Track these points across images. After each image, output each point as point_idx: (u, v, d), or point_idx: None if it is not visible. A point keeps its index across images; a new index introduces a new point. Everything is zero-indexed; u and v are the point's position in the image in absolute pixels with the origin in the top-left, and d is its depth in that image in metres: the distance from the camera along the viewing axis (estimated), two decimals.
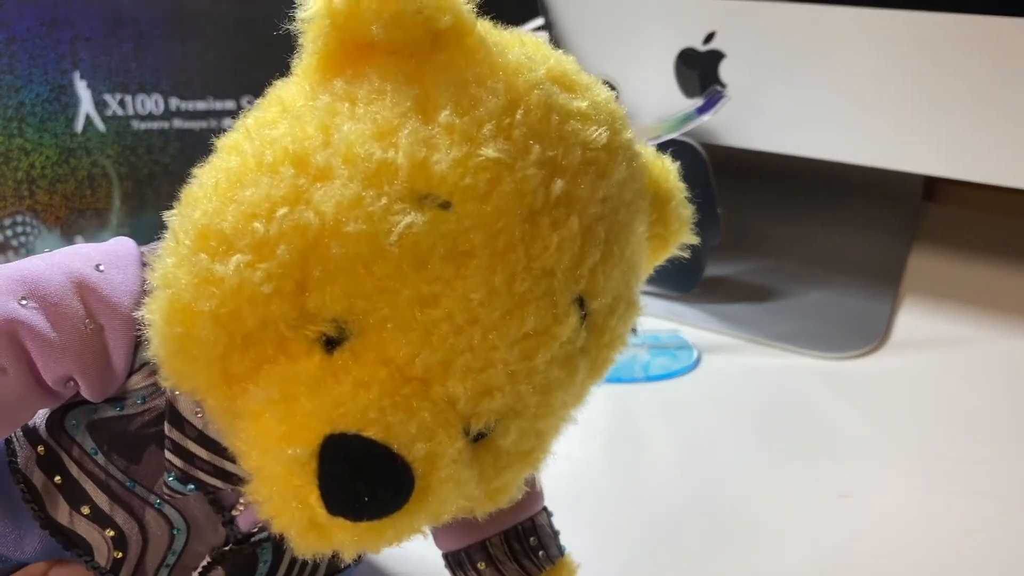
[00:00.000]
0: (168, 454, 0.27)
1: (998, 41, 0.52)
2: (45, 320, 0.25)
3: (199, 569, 0.29)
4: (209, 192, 0.23)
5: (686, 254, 0.31)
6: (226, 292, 0.22)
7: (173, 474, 0.27)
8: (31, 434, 0.29)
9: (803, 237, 0.67)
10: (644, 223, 0.27)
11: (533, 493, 0.32)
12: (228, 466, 0.27)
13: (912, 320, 0.58)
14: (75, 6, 0.53)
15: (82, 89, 0.53)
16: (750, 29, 0.58)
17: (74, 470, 0.28)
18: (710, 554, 0.40)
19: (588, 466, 0.45)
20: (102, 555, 0.29)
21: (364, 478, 0.22)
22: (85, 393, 0.27)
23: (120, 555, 0.29)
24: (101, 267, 0.26)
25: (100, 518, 0.28)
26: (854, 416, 0.49)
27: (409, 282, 0.22)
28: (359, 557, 0.35)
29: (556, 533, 0.33)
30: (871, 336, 0.56)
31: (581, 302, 0.24)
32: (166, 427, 0.27)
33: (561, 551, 0.33)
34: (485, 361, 0.23)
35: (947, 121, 0.55)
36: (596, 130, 0.24)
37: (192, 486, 0.27)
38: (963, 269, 0.64)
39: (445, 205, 0.22)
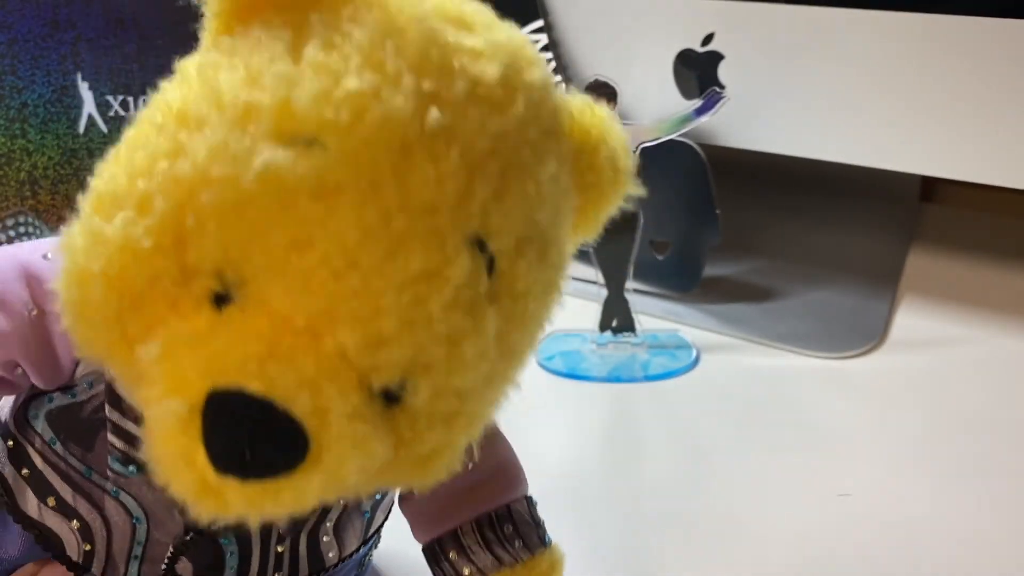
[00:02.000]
0: (110, 436, 0.27)
1: (997, 42, 0.52)
2: None
3: (165, 561, 0.29)
4: (110, 161, 0.23)
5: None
6: (112, 250, 0.22)
7: (115, 456, 0.27)
8: (2, 430, 0.29)
9: (801, 237, 0.68)
10: (558, 165, 0.25)
11: (509, 478, 0.31)
12: None
13: (910, 320, 0.58)
14: (77, 7, 0.53)
15: (84, 90, 0.53)
16: (749, 30, 0.58)
17: (38, 462, 0.29)
18: (709, 553, 0.40)
19: (587, 465, 0.45)
20: (73, 548, 0.29)
21: (246, 433, 0.20)
22: (34, 380, 0.27)
23: (89, 547, 0.29)
24: (49, 256, 0.27)
25: (65, 509, 0.29)
26: (853, 415, 0.49)
27: (279, 224, 0.21)
28: (363, 565, 0.35)
29: (538, 522, 0.31)
30: (869, 336, 0.56)
31: (482, 245, 0.22)
32: (106, 409, 0.27)
33: (544, 541, 0.31)
34: (373, 308, 0.21)
35: (945, 122, 0.55)
36: (488, 65, 0.23)
37: (133, 468, 0.27)
38: (961, 269, 0.64)
39: (311, 143, 0.21)
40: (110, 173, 0.23)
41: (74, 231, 0.23)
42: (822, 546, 0.40)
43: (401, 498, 0.32)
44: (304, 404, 0.21)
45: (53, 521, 0.29)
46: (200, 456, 0.21)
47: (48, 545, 0.29)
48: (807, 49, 0.57)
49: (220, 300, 0.22)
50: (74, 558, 0.29)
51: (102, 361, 0.23)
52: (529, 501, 0.32)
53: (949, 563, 0.39)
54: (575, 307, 0.59)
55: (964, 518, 0.42)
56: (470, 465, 0.29)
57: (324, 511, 0.30)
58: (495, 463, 0.31)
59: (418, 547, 0.32)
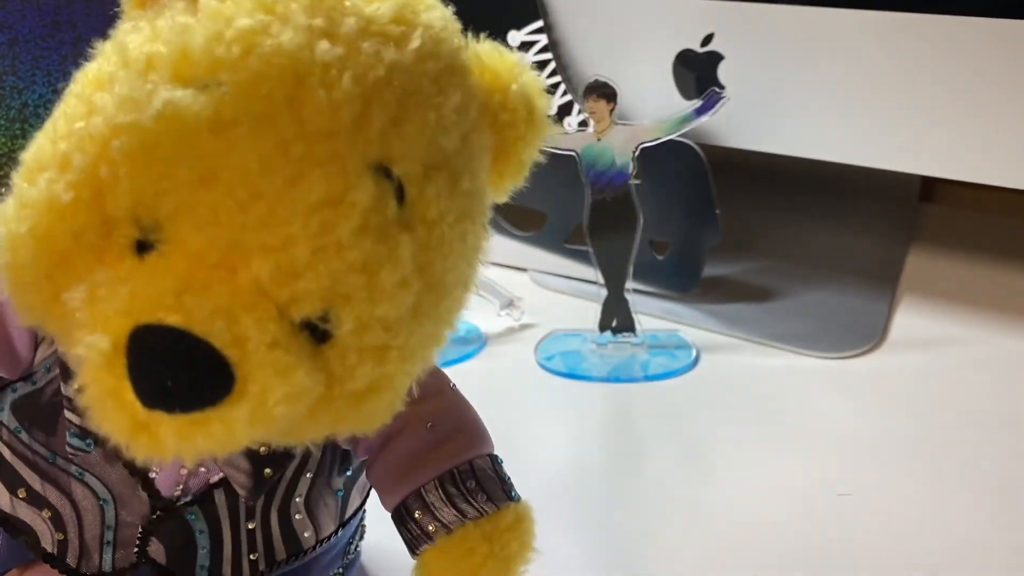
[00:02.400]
0: (66, 412, 0.28)
1: (997, 42, 0.52)
2: None
3: (136, 543, 0.29)
4: (39, 135, 0.24)
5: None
6: (38, 211, 0.23)
7: (73, 431, 0.28)
8: None
9: (801, 237, 0.68)
10: (464, 100, 0.25)
11: (471, 436, 0.31)
12: None
13: (910, 320, 0.58)
14: (77, 7, 0.53)
15: None
16: (749, 31, 0.58)
17: (7, 454, 0.29)
18: (709, 553, 0.40)
19: (587, 465, 0.46)
20: (47, 539, 0.29)
21: (168, 364, 0.21)
22: None
23: (62, 537, 0.29)
24: None
25: (35, 499, 0.29)
26: (852, 415, 0.49)
27: (183, 162, 0.22)
28: (347, 555, 0.35)
29: (503, 478, 0.31)
30: (869, 336, 0.56)
31: (387, 172, 0.23)
32: (61, 385, 0.28)
33: (510, 496, 0.31)
34: (283, 238, 0.22)
35: (945, 122, 0.55)
36: (381, 6, 0.24)
37: (90, 441, 0.28)
38: (960, 269, 0.64)
39: (208, 85, 0.22)
40: (36, 144, 0.24)
41: (7, 203, 0.24)
42: (822, 546, 0.40)
43: (368, 468, 0.31)
44: (222, 334, 0.21)
45: (25, 513, 0.29)
46: (128, 393, 0.21)
47: (22, 538, 0.29)
48: (807, 49, 0.57)
49: (142, 248, 0.22)
50: (49, 549, 0.29)
51: (40, 323, 0.24)
52: (494, 459, 0.31)
53: (949, 563, 0.39)
54: (575, 307, 0.59)
55: (964, 518, 0.42)
56: (429, 424, 0.30)
57: (291, 484, 0.30)
58: (455, 422, 0.31)
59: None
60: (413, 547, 0.30)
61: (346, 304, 0.23)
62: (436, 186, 0.24)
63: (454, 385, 0.32)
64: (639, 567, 0.39)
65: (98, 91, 0.23)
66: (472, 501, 0.30)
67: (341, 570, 0.34)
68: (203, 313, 0.21)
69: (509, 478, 0.31)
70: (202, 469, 0.29)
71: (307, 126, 0.22)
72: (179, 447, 0.22)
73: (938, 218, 0.70)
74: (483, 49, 0.27)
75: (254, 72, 0.22)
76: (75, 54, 0.53)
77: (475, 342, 0.56)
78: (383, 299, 0.23)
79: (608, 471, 0.45)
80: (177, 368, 0.21)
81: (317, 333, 0.23)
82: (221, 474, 0.29)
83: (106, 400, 0.21)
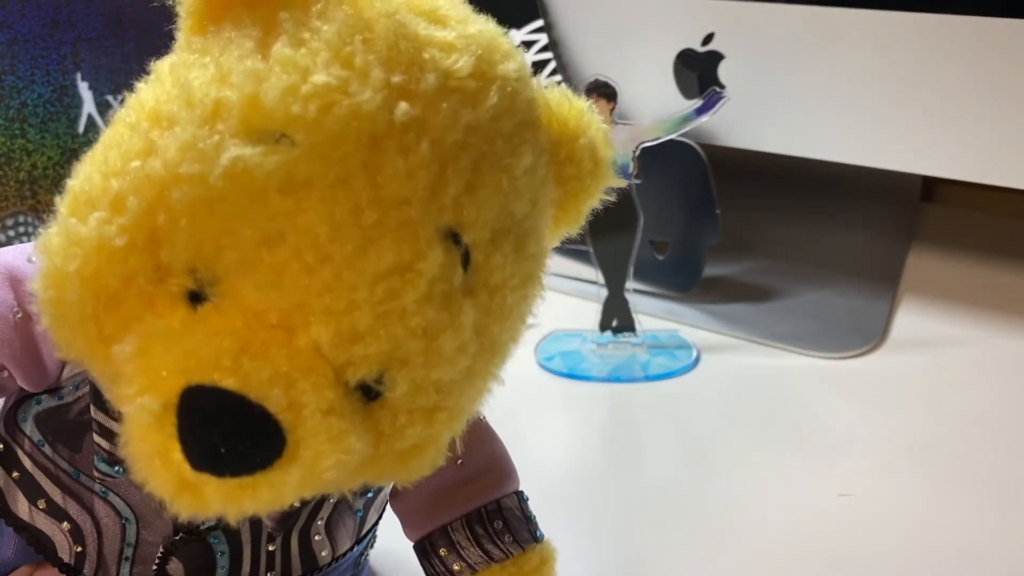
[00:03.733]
0: (95, 436, 0.27)
1: (997, 42, 0.52)
2: None
3: (156, 562, 0.29)
4: (86, 161, 0.23)
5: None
6: (88, 250, 0.22)
7: (101, 456, 0.28)
8: None
9: (802, 237, 0.68)
10: (535, 157, 0.25)
11: (499, 474, 0.31)
12: None
13: (910, 320, 0.58)
14: (77, 7, 0.53)
15: (84, 90, 0.53)
16: (749, 30, 0.58)
17: (28, 464, 0.29)
18: (709, 553, 0.40)
19: (587, 465, 0.45)
20: (64, 550, 0.29)
21: (220, 428, 0.21)
22: (20, 382, 0.27)
23: (80, 549, 0.29)
24: (33, 259, 0.27)
25: (55, 511, 0.29)
26: (853, 416, 0.49)
27: (249, 220, 0.21)
28: (359, 565, 0.35)
29: (529, 518, 0.31)
30: (870, 336, 0.56)
31: (456, 238, 0.22)
32: (91, 409, 0.27)
33: (535, 536, 0.31)
34: (347, 302, 0.21)
35: (945, 122, 0.55)
36: (460, 58, 0.23)
37: (119, 468, 0.27)
38: (961, 269, 0.64)
39: (280, 139, 0.21)
40: (85, 174, 0.23)
41: (51, 232, 0.23)
42: (822, 546, 0.40)
43: (392, 496, 0.32)
44: (278, 399, 0.21)
45: (44, 523, 0.29)
46: (176, 453, 0.21)
47: (40, 548, 0.29)
48: (807, 49, 0.57)
49: (195, 298, 0.22)
50: (66, 560, 0.29)
51: (81, 361, 0.23)
52: (520, 496, 0.31)
53: (949, 563, 0.39)
54: (575, 307, 0.59)
55: (964, 518, 0.42)
56: (459, 462, 0.30)
57: (315, 509, 0.30)
58: (485, 459, 0.31)
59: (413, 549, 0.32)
60: None
61: (403, 368, 0.22)
62: (503, 252, 0.24)
63: (484, 416, 0.31)
64: (639, 567, 0.39)
65: (156, 128, 0.22)
66: (499, 542, 0.30)
67: None
68: (261, 378, 0.21)
69: (534, 517, 0.31)
70: None
71: (381, 192, 0.21)
72: (225, 508, 0.21)
73: (939, 218, 0.70)
74: (553, 97, 0.27)
75: (329, 133, 0.21)
76: (74, 53, 0.53)
77: None
78: (440, 364, 0.23)
79: (608, 471, 0.45)
80: (231, 433, 0.21)
81: (370, 393, 0.22)
82: None
83: (153, 459, 0.21)
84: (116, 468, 0.28)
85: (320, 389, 0.21)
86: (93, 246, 0.22)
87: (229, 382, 0.21)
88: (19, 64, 0.52)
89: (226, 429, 0.21)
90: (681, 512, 0.42)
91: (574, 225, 0.28)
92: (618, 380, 0.53)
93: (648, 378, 0.53)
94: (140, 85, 0.24)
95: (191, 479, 0.21)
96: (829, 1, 0.55)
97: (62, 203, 0.23)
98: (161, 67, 0.24)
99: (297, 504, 0.29)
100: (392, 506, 0.32)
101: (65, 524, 0.29)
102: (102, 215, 0.22)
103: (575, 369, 0.53)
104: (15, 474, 0.29)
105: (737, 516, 0.42)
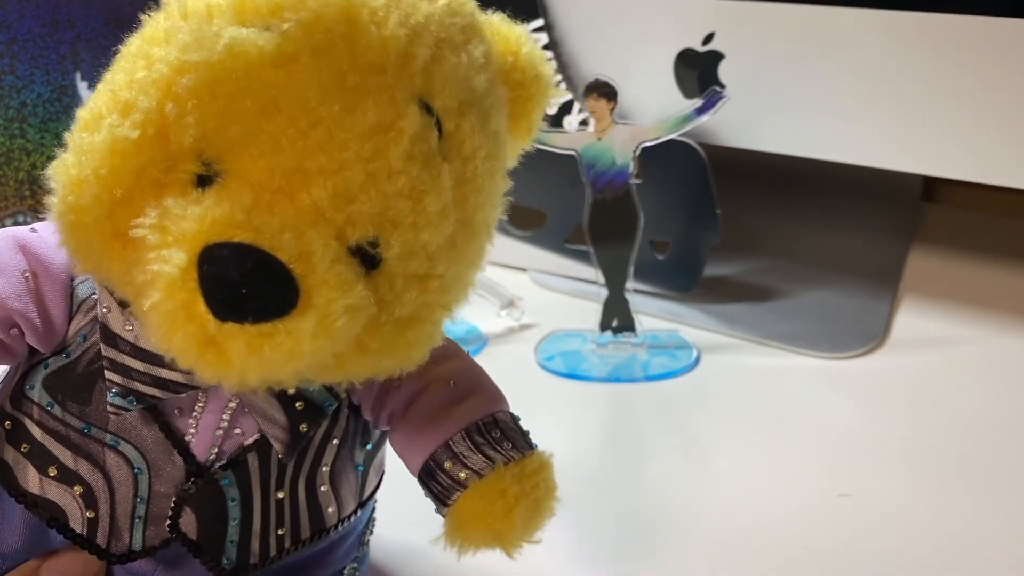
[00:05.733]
0: (107, 373, 0.28)
1: (998, 41, 0.52)
2: None
3: (169, 516, 0.30)
4: (93, 96, 0.26)
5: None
6: (102, 153, 0.24)
7: (114, 391, 0.28)
8: None
9: (802, 237, 0.68)
10: (485, 52, 0.28)
11: (490, 393, 0.32)
12: (163, 373, 0.28)
13: (911, 320, 0.58)
14: (76, 7, 0.53)
15: (83, 90, 0.53)
16: (750, 30, 0.58)
17: (37, 433, 0.29)
18: (709, 553, 0.40)
19: (587, 465, 0.45)
20: (76, 519, 0.30)
21: (241, 275, 0.22)
22: (29, 340, 0.29)
23: (92, 514, 0.29)
24: (35, 229, 0.29)
25: (66, 476, 0.29)
26: (853, 416, 0.49)
27: (247, 94, 0.24)
28: (361, 548, 0.35)
29: (524, 431, 0.32)
30: (870, 336, 0.56)
31: (428, 108, 0.26)
32: (102, 348, 0.28)
33: (531, 445, 0.32)
34: (339, 162, 0.24)
35: (946, 121, 0.55)
36: None
37: (132, 399, 0.28)
38: (962, 269, 0.64)
39: (269, 27, 0.24)
40: (93, 102, 0.26)
41: (63, 155, 0.25)
42: (822, 546, 0.40)
43: (392, 432, 0.32)
44: (290, 248, 0.23)
45: (55, 492, 0.29)
46: (199, 306, 0.23)
47: (51, 521, 0.30)
48: (807, 49, 0.57)
49: (203, 182, 0.24)
50: (78, 530, 0.30)
51: (97, 267, 0.25)
52: (512, 414, 0.32)
53: (949, 563, 0.39)
54: (575, 307, 0.59)
55: (964, 518, 0.42)
56: (451, 383, 0.31)
57: (319, 451, 0.31)
58: (474, 381, 0.32)
59: (415, 535, 0.32)
60: (444, 498, 0.31)
61: (394, 230, 0.25)
62: (470, 122, 0.27)
63: (467, 352, 0.33)
64: (639, 567, 0.39)
65: (156, 46, 0.25)
66: (499, 449, 0.31)
67: (356, 563, 0.35)
68: (271, 229, 0.23)
69: (527, 432, 0.32)
70: (237, 430, 0.30)
71: (360, 59, 0.24)
72: (247, 361, 0.23)
73: (939, 218, 0.70)
74: (493, 18, 0.30)
75: (313, 12, 0.24)
76: (74, 53, 0.53)
77: (475, 342, 0.56)
78: (426, 225, 0.25)
79: (608, 471, 0.45)
80: (250, 277, 0.23)
81: (367, 259, 0.25)
82: (255, 436, 0.30)
83: (177, 315, 0.23)
84: (130, 400, 0.29)
85: (326, 239, 0.24)
86: (106, 148, 0.24)
87: (244, 236, 0.23)
88: (18, 64, 0.52)
89: (245, 274, 0.23)
90: (681, 512, 0.42)
91: (527, 137, 0.32)
92: (618, 380, 0.53)
93: (648, 378, 0.53)
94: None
95: (214, 332, 0.23)
96: (829, 1, 0.55)
97: (72, 131, 0.25)
98: (151, 13, 0.27)
99: (304, 427, 0.30)
100: (393, 443, 0.32)
101: (76, 488, 0.29)
102: (112, 120, 0.24)
103: (575, 369, 0.53)
104: (24, 447, 0.30)
105: (737, 516, 0.42)
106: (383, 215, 0.25)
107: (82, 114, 0.26)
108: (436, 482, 0.31)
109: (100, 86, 0.26)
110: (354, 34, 0.24)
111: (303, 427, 0.30)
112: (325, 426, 0.31)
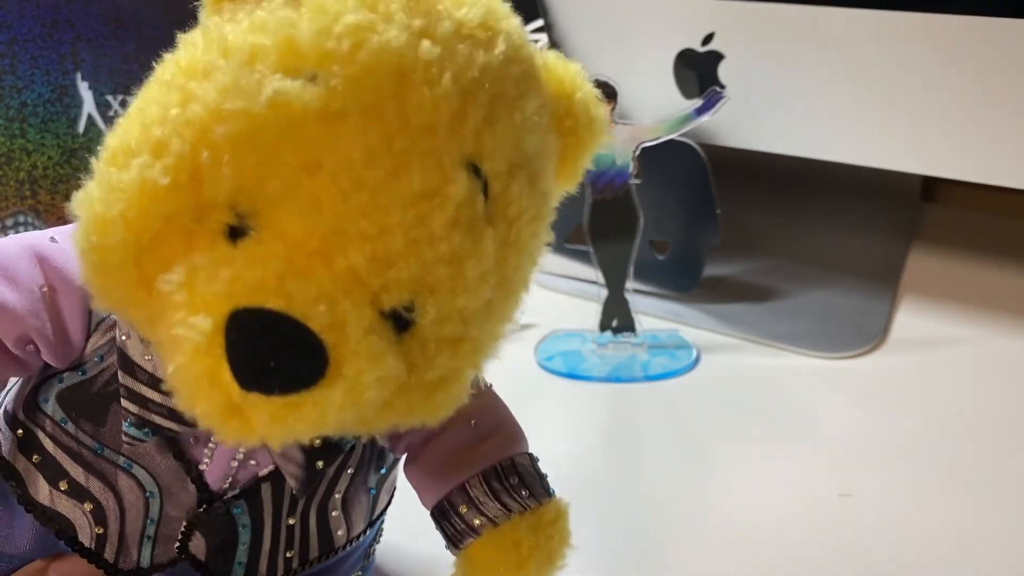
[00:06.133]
0: (124, 401, 0.28)
1: (997, 42, 0.52)
2: (3, 283, 0.27)
3: (179, 538, 0.29)
4: (121, 122, 0.25)
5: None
6: (130, 194, 0.23)
7: (130, 420, 0.28)
8: (11, 420, 0.30)
9: (802, 237, 0.68)
10: (540, 104, 0.27)
11: (510, 435, 0.32)
12: None
13: (911, 320, 0.58)
14: (76, 7, 0.53)
15: (84, 90, 0.53)
16: (749, 30, 0.58)
17: (49, 446, 0.29)
18: (709, 553, 0.40)
19: (587, 465, 0.45)
20: (85, 533, 0.29)
21: (269, 346, 0.22)
22: (45, 356, 0.28)
23: (101, 531, 0.29)
24: (55, 238, 0.28)
25: (77, 491, 0.29)
26: (853, 416, 0.49)
27: (289, 149, 0.22)
28: (368, 558, 0.35)
29: (542, 475, 0.32)
30: (870, 336, 0.56)
31: (477, 170, 0.24)
32: (119, 375, 0.28)
33: (548, 492, 0.31)
34: (380, 227, 0.23)
35: (945, 121, 0.55)
36: (470, 11, 0.25)
37: (148, 431, 0.28)
38: (962, 269, 0.64)
39: (314, 77, 0.23)
40: (122, 130, 0.24)
41: (89, 187, 0.24)
42: (822, 546, 0.40)
43: (408, 463, 0.32)
44: (322, 318, 0.22)
45: (65, 506, 0.29)
46: (225, 374, 0.22)
47: (60, 533, 0.29)
48: (807, 49, 0.57)
49: (234, 234, 0.23)
50: (86, 544, 0.29)
51: (119, 309, 0.24)
52: (531, 457, 0.32)
53: (949, 563, 0.39)
54: (575, 307, 0.59)
55: (964, 518, 0.42)
56: (472, 422, 0.31)
57: (333, 480, 0.30)
58: (495, 421, 0.32)
59: (419, 544, 0.32)
60: (456, 541, 0.31)
61: (431, 295, 0.24)
62: (518, 184, 0.25)
63: (491, 384, 0.33)
64: (639, 566, 0.39)
65: (193, 80, 0.23)
66: (516, 496, 0.30)
67: (361, 572, 0.35)
68: (305, 297, 0.22)
69: (546, 475, 0.32)
70: (252, 462, 0.29)
71: (410, 120, 0.23)
72: (270, 430, 0.22)
73: (939, 218, 0.70)
74: (549, 57, 0.29)
75: (363, 66, 0.23)
76: (74, 53, 0.53)
77: None
78: (465, 291, 0.24)
79: (608, 471, 0.45)
80: (278, 350, 0.22)
81: (400, 323, 0.24)
82: (269, 467, 0.29)
83: (202, 381, 0.22)
84: (145, 431, 0.28)
85: (360, 308, 0.23)
86: (136, 189, 0.23)
87: (275, 303, 0.22)
88: (19, 64, 0.52)
89: (274, 346, 0.22)
90: (681, 512, 0.42)
91: (572, 182, 0.30)
92: (618, 380, 0.53)
93: (648, 378, 0.53)
94: (170, 55, 0.25)
95: (239, 401, 0.22)
96: (829, 1, 0.55)
97: (99, 160, 0.24)
98: (190, 34, 0.25)
99: (321, 465, 0.29)
100: (408, 475, 0.32)
101: (87, 504, 0.29)
102: (144, 160, 0.23)
103: (575, 369, 0.53)
104: (35, 458, 0.29)
105: (737, 516, 0.42)
106: (421, 281, 0.23)
107: (111, 143, 0.24)
108: (450, 523, 0.31)
109: (131, 110, 0.25)
110: (405, 93, 0.23)
111: (320, 464, 0.29)
112: (340, 459, 0.30)
